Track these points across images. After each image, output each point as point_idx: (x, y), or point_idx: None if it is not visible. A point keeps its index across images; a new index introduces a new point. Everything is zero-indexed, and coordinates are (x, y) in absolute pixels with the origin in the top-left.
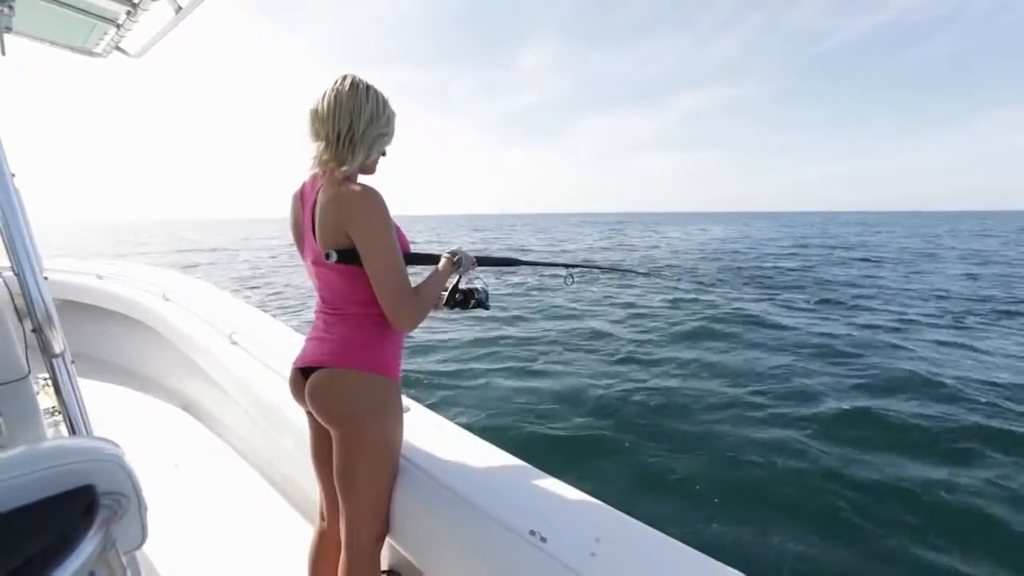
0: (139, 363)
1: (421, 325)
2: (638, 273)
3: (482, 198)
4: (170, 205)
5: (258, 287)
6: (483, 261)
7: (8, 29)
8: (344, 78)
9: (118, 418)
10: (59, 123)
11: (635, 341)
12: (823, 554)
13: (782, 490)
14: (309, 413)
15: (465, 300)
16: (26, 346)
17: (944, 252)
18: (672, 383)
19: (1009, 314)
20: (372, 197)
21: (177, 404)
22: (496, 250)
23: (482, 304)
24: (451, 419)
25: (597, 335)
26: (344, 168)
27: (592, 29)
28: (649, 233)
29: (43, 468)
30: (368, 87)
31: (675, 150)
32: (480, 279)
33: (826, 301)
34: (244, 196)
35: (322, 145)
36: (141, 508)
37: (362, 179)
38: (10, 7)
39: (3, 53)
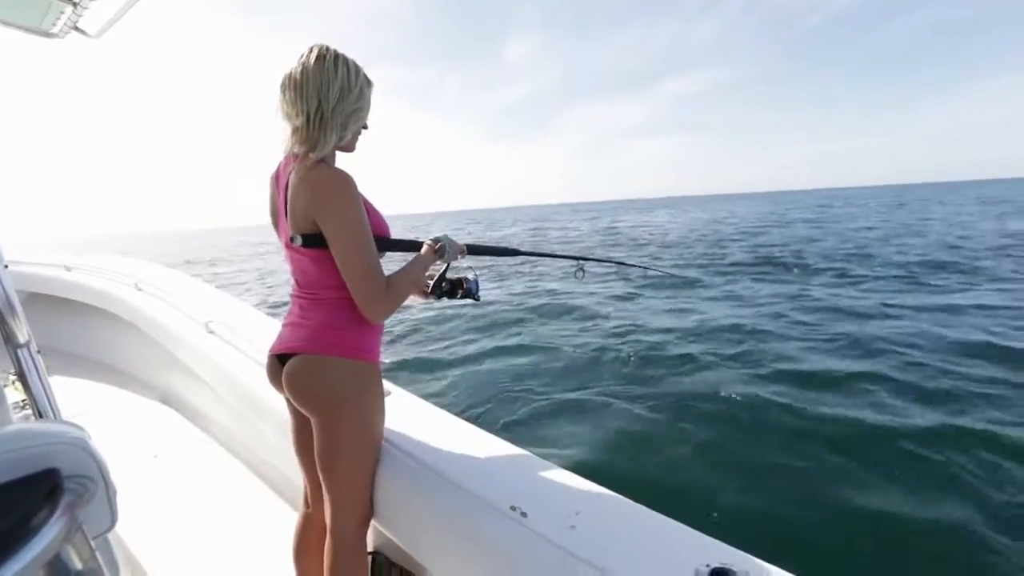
0: (113, 356)
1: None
2: (662, 273)
3: (475, 193)
4: (165, 216)
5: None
6: (474, 250)
7: None
8: (310, 51)
9: (94, 412)
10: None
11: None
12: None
13: (762, 454)
14: (288, 399)
15: (452, 290)
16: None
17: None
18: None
19: None
20: (339, 180)
21: (154, 396)
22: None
23: (471, 295)
24: (435, 401)
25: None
26: (316, 151)
27: (575, 18)
28: (646, 218)
29: (3, 452)
30: (337, 57)
31: (666, 135)
32: (471, 269)
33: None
34: (236, 203)
35: (292, 127)
36: (109, 491)
37: (341, 157)
38: None
39: None
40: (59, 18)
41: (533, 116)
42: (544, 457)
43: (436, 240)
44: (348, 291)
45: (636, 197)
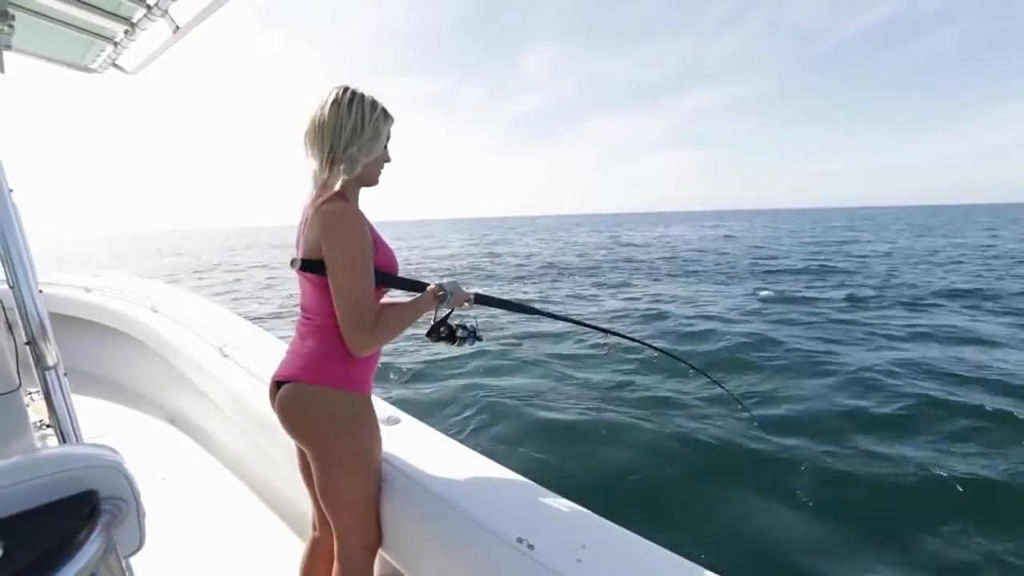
0: (126, 375)
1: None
2: (692, 367)
3: (490, 202)
4: (193, 215)
5: None
6: (483, 300)
7: (8, 47)
8: (329, 94)
9: (105, 431)
10: (62, 137)
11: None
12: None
13: (772, 487)
14: None
15: (451, 336)
16: (17, 359)
17: None
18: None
19: None
20: (347, 214)
21: (163, 417)
22: (499, 256)
23: (469, 340)
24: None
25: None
26: (331, 186)
27: (593, 31)
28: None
29: (48, 474)
30: (352, 98)
31: (682, 149)
32: (470, 315)
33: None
34: (261, 204)
35: (313, 165)
36: (140, 513)
37: (364, 192)
38: (10, 25)
39: (2, 71)
40: (99, 55)
41: (549, 127)
42: (551, 490)
43: (440, 287)
44: (335, 319)
45: (651, 210)
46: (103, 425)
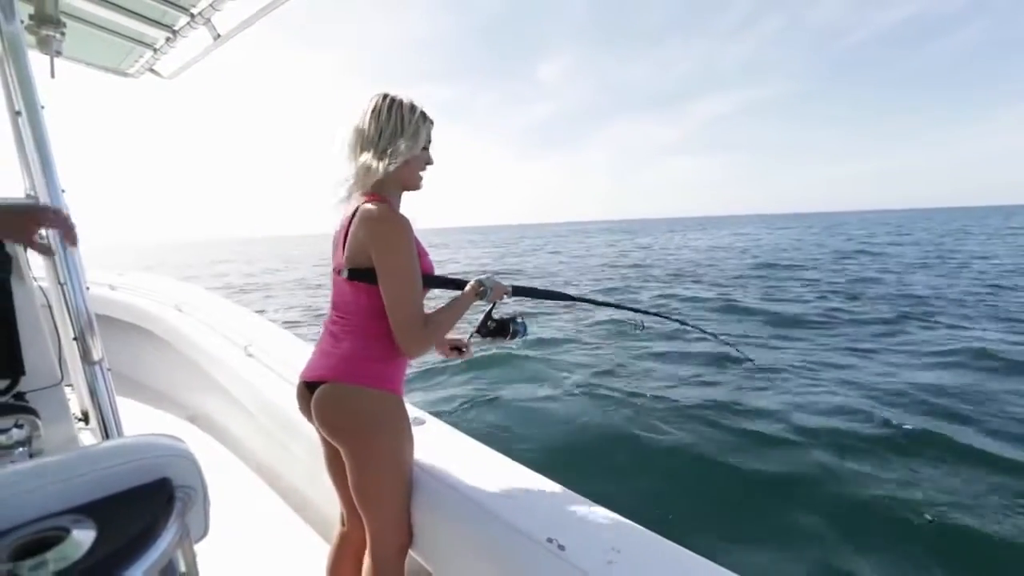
0: (147, 374)
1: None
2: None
3: (506, 209)
4: (236, 223)
5: None
6: (520, 291)
7: (59, 53)
8: (370, 101)
9: (125, 429)
10: (106, 143)
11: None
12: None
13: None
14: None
15: (501, 330)
16: (61, 353)
17: None
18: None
19: None
20: (397, 222)
21: (183, 415)
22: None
23: (518, 335)
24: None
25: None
26: (371, 186)
27: (608, 37)
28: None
29: (132, 460)
30: (392, 103)
31: (699, 154)
32: (514, 310)
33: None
34: (292, 212)
35: (353, 168)
36: (206, 501)
37: (406, 196)
38: (62, 32)
39: (52, 76)
40: (137, 61)
41: (565, 133)
42: (581, 493)
43: (480, 282)
44: (380, 322)
45: (669, 216)
46: (124, 424)
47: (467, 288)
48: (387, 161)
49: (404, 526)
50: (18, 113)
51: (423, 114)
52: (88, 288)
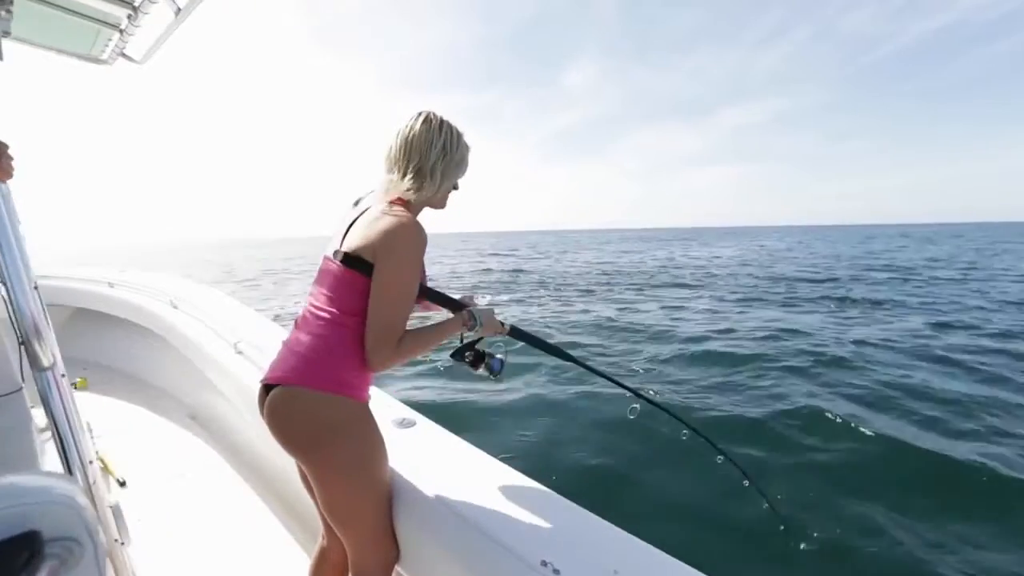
0: (148, 371)
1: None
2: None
3: (530, 215)
4: (249, 225)
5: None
6: (517, 334)
7: (6, 34)
8: (419, 115)
9: (126, 430)
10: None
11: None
12: None
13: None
14: None
15: (474, 361)
16: (21, 359)
17: None
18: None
19: None
20: (416, 232)
21: (184, 413)
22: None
23: (492, 373)
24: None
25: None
26: (411, 196)
27: (635, 45)
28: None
29: None
30: (442, 123)
31: (725, 164)
32: (502, 347)
33: None
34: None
35: (393, 177)
36: (99, 553)
37: (427, 212)
38: (8, 11)
39: (0, 58)
40: (107, 45)
41: (590, 141)
42: (581, 505)
43: (471, 314)
44: (354, 319)
45: (695, 226)
46: (122, 421)
47: (454, 318)
48: (425, 182)
49: (384, 542)
50: None
51: (466, 143)
52: (36, 287)
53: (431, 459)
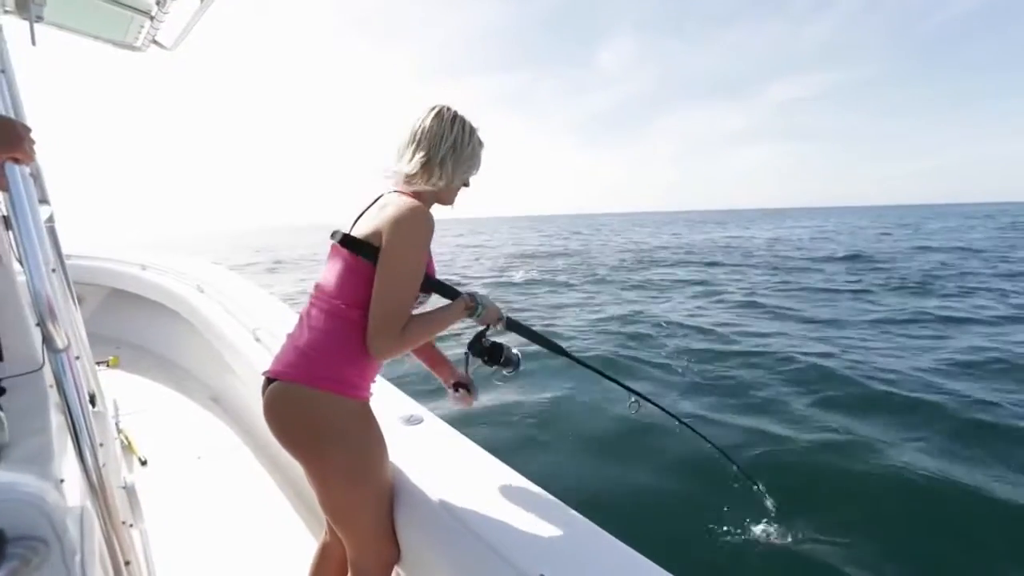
0: (175, 352)
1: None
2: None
3: (567, 198)
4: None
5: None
6: (513, 326)
7: (39, 19)
8: (432, 109)
9: (149, 409)
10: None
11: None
12: None
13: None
14: None
15: (493, 355)
16: (43, 338)
17: None
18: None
19: None
20: (424, 217)
21: (206, 395)
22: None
23: (511, 364)
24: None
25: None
26: (420, 189)
27: (672, 20)
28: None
29: None
30: (455, 117)
31: (770, 142)
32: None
33: None
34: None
35: (404, 167)
36: (66, 554)
37: (436, 208)
38: None
39: (33, 43)
40: (140, 31)
41: (627, 122)
42: (584, 514)
43: (473, 296)
44: (357, 310)
45: (738, 207)
46: (149, 400)
47: (457, 300)
48: (434, 175)
49: (384, 542)
50: None
51: (479, 139)
52: (54, 270)
53: (436, 459)
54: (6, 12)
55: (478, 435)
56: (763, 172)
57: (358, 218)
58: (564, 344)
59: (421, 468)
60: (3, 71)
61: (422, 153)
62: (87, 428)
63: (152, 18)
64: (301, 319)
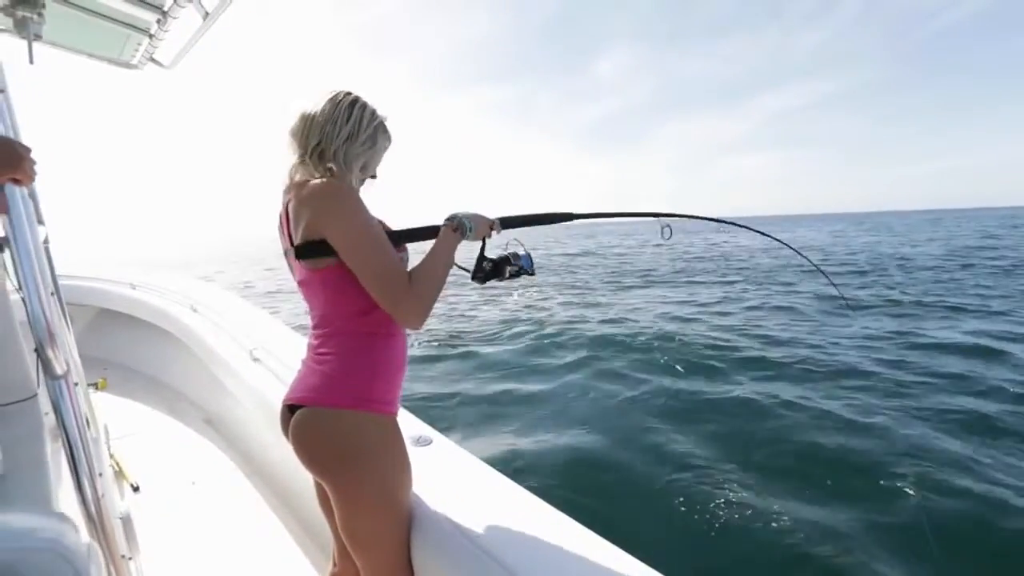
0: (167, 373)
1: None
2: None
3: (565, 207)
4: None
5: None
6: (509, 222)
7: (38, 37)
8: (327, 92)
9: (141, 432)
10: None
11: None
12: None
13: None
14: None
15: (498, 270)
16: (38, 364)
17: None
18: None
19: None
20: (341, 188)
21: (200, 417)
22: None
23: (524, 271)
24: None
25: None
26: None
27: (668, 30)
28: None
29: None
30: (355, 102)
31: (767, 150)
32: (518, 243)
33: None
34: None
35: (294, 159)
36: None
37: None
38: (39, 14)
39: (31, 62)
40: (137, 49)
41: (624, 130)
42: (607, 538)
43: (452, 218)
44: (363, 321)
45: (736, 215)
46: (140, 423)
47: (442, 228)
48: (336, 166)
49: (401, 570)
50: None
51: (383, 125)
52: (53, 293)
53: (449, 482)
54: (3, 31)
55: (509, 426)
56: (765, 179)
57: (287, 225)
58: None
59: (434, 491)
60: (2, 90)
61: (312, 144)
62: (87, 458)
63: (151, 36)
64: (310, 348)
